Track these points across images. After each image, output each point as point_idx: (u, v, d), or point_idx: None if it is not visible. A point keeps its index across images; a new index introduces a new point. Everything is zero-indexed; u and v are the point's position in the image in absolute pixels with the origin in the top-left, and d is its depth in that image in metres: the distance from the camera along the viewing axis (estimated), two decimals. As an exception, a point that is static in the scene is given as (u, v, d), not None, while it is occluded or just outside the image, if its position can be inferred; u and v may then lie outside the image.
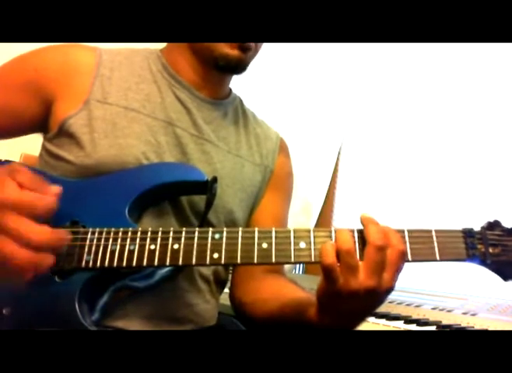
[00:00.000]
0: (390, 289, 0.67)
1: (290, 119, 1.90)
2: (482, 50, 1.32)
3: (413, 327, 0.99)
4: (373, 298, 0.68)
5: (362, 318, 0.74)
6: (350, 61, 1.78)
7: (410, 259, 0.69)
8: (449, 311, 1.09)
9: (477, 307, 1.08)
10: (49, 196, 0.65)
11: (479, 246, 0.70)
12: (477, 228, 0.72)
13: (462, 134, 1.36)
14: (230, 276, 1.02)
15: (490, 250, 0.70)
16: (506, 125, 1.24)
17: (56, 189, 0.66)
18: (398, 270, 0.67)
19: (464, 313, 1.05)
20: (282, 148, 1.08)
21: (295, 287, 0.90)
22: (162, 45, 1.02)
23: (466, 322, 1.01)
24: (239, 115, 1.04)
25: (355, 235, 0.69)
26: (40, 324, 0.73)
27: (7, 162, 0.87)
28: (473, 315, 1.04)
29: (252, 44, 0.92)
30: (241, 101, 1.08)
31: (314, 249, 0.70)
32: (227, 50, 0.90)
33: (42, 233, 0.63)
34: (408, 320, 1.03)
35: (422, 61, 1.52)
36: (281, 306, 0.85)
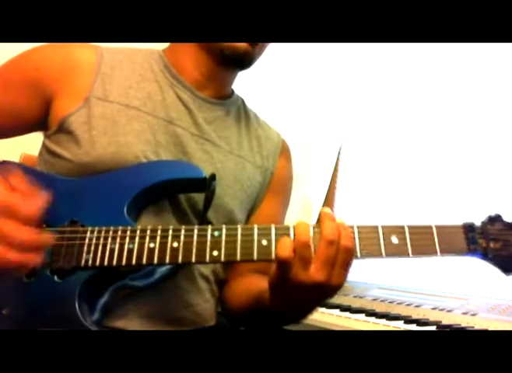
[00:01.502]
0: (339, 285, 0.68)
1: (291, 119, 1.90)
2: (482, 50, 1.32)
3: (413, 327, 0.99)
4: (320, 292, 0.69)
5: (312, 308, 0.75)
6: (350, 61, 1.78)
7: (410, 254, 0.70)
8: (449, 311, 1.09)
9: (477, 307, 1.08)
10: (35, 201, 0.65)
11: (480, 241, 0.70)
12: (478, 222, 0.72)
13: (462, 130, 1.37)
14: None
15: (491, 245, 0.69)
16: (506, 121, 1.24)
17: (45, 195, 0.66)
18: (345, 266, 0.67)
19: (464, 313, 1.05)
20: (284, 150, 1.07)
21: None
22: (163, 46, 1.01)
23: (466, 322, 1.00)
24: (241, 115, 1.04)
25: (313, 230, 0.69)
26: (40, 324, 0.73)
27: (6, 162, 0.87)
28: (473, 315, 1.04)
29: None
30: (243, 101, 1.07)
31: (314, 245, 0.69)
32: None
33: (25, 234, 0.63)
34: (408, 320, 1.03)
35: (421, 62, 1.52)
36: (249, 298, 0.86)
